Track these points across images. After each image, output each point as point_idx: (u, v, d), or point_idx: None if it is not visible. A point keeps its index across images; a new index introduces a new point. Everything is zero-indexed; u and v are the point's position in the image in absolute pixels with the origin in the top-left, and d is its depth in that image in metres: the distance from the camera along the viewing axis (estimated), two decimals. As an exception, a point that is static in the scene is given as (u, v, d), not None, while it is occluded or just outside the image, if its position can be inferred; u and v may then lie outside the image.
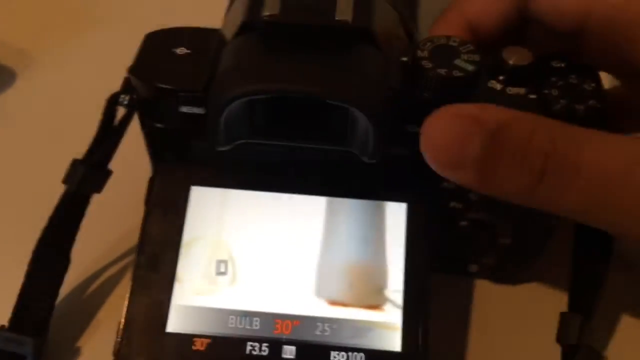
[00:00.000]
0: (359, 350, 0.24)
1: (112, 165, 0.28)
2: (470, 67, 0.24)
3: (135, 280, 0.25)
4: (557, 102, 0.24)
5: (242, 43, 0.22)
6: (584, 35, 0.26)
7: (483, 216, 0.28)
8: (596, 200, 0.22)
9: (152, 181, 0.26)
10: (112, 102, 0.26)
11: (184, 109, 0.24)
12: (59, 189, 0.28)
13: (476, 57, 0.24)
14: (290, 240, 0.25)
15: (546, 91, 0.24)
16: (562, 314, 0.27)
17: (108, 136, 0.27)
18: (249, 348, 0.24)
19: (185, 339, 0.24)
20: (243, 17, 0.22)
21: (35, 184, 0.33)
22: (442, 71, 0.23)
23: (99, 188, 0.28)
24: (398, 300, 0.25)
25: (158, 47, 0.25)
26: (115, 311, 0.26)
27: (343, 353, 0.24)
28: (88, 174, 0.27)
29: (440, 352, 0.28)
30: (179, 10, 0.38)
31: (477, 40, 0.26)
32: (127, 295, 0.25)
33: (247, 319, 0.25)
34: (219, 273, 0.25)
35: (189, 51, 0.24)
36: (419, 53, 0.24)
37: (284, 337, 0.24)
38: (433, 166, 0.23)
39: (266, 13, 0.21)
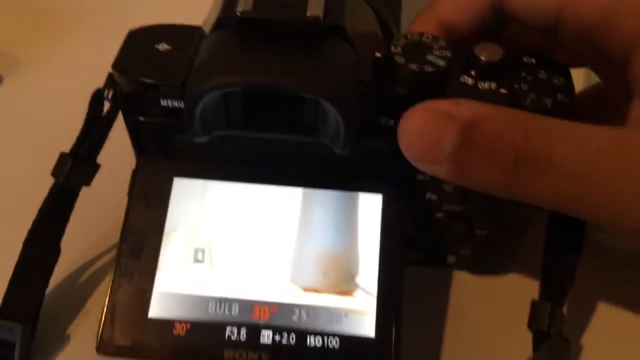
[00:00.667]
0: (334, 335, 0.25)
1: (102, 160, 0.29)
2: (441, 63, 0.24)
3: (118, 267, 0.26)
4: (526, 96, 0.25)
5: (217, 38, 0.23)
6: (560, 32, 0.26)
7: (459, 208, 0.29)
8: (568, 191, 0.22)
9: (135, 173, 0.27)
10: (97, 97, 0.27)
11: (165, 103, 0.25)
12: (48, 184, 0.28)
13: (448, 53, 0.25)
14: (267, 230, 0.26)
15: (516, 86, 0.25)
16: (533, 302, 0.27)
17: (94, 130, 0.28)
18: (228, 333, 0.25)
19: (166, 324, 0.25)
20: (219, 13, 0.23)
21: (25, 181, 0.34)
22: (414, 66, 0.24)
23: (87, 181, 0.29)
24: (372, 288, 0.26)
25: (140, 43, 0.26)
26: (104, 300, 0.26)
27: (319, 338, 0.25)
28: (75, 167, 0.28)
29: (417, 339, 0.29)
30: (162, 12, 0.39)
31: (453, 40, 0.27)
32: (110, 282, 0.26)
33: (226, 305, 0.25)
34: (197, 261, 0.26)
35: (169, 47, 0.25)
36: (393, 49, 0.25)
37: (262, 322, 0.25)
38: (410, 160, 0.23)
39: (240, 9, 0.22)
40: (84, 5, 0.46)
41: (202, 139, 0.24)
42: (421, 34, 0.25)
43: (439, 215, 0.29)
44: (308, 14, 0.22)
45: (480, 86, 0.25)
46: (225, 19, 0.23)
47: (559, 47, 0.27)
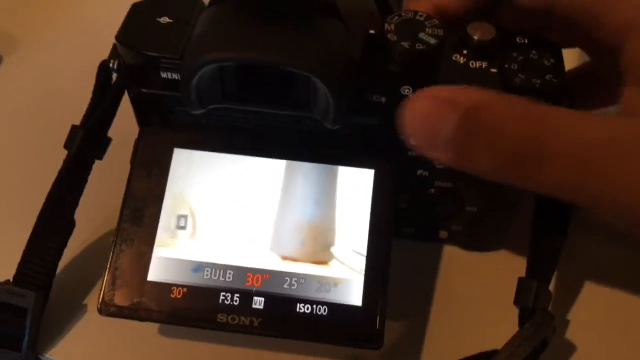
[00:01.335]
0: (322, 303, 0.26)
1: (114, 134, 0.30)
2: (433, 41, 0.25)
3: (120, 233, 0.27)
4: (516, 76, 0.25)
5: (213, 12, 0.24)
6: (554, 13, 0.27)
7: (450, 185, 0.29)
8: (570, 181, 0.22)
9: (137, 143, 0.28)
10: (103, 68, 0.28)
11: (165, 75, 0.26)
12: (55, 160, 0.29)
13: (440, 32, 0.25)
14: (250, 200, 0.27)
15: (507, 66, 0.26)
16: (520, 280, 0.28)
17: (104, 101, 0.29)
18: (222, 298, 0.26)
19: (164, 287, 0.26)
20: (217, -13, 0.24)
21: (35, 158, 0.35)
22: (406, 44, 0.25)
23: (100, 155, 0.30)
24: (360, 260, 0.27)
25: (143, 16, 0.27)
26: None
27: (308, 305, 0.26)
28: (87, 138, 0.29)
29: (407, 311, 0.30)
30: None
31: (447, 21, 0.27)
32: (112, 246, 0.27)
33: (221, 271, 0.27)
34: (179, 227, 0.27)
35: (171, 21, 0.26)
36: (386, 27, 0.25)
37: (255, 289, 0.26)
38: (411, 146, 0.23)
39: (236, -16, 0.23)
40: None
41: (199, 112, 0.25)
42: (415, 12, 0.26)
43: (431, 191, 0.30)
44: (302, -9, 0.23)
45: (471, 65, 0.26)
46: (222, -5, 0.24)
47: (551, 29, 0.28)
